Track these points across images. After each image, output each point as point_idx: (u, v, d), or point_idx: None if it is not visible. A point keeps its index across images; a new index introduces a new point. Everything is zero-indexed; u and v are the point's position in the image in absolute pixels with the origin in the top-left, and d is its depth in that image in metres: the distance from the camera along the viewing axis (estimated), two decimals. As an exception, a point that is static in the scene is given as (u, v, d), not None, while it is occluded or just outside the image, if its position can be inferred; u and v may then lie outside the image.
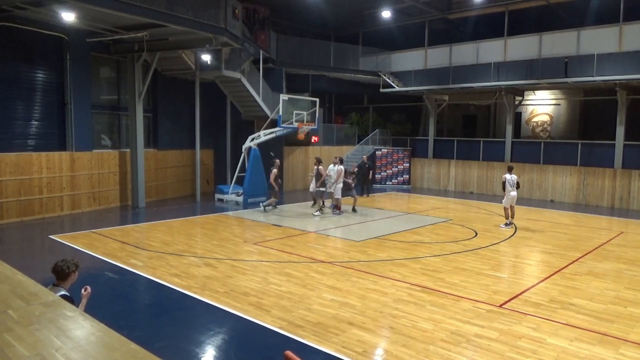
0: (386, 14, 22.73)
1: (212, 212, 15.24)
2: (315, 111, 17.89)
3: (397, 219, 14.52)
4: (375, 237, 11.62)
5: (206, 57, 16.65)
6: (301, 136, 17.76)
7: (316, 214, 14.62)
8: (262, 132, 17.26)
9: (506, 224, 13.24)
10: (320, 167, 15.50)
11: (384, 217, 14.84)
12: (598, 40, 18.31)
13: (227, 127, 19.94)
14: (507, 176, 13.32)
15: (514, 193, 13.14)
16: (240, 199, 16.65)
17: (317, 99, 18.30)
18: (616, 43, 17.95)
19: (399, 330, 6.12)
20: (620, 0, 17.70)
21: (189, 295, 7.35)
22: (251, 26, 19.73)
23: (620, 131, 18.57)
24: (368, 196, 19.15)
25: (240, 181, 17.26)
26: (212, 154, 20.38)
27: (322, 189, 15.31)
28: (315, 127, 18.20)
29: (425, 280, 8.20)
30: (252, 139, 17.17)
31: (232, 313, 6.66)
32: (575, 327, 6.33)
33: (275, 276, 8.32)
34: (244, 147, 17.22)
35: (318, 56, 23.22)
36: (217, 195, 17.47)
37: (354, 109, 26.81)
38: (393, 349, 5.62)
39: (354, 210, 15.13)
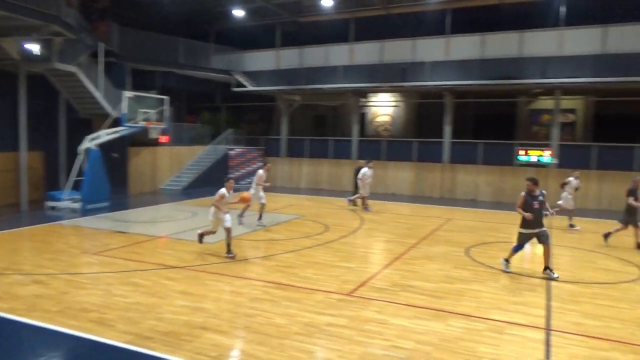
0: (238, 12, 22.61)
1: (42, 222, 13.43)
2: (164, 110, 17.01)
3: (251, 218, 14.48)
4: (230, 238, 11.42)
5: (33, 47, 14.64)
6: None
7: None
8: (103, 132, 15.83)
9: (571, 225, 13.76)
10: (260, 171, 13.64)
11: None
12: (430, 49, 20.62)
13: (60, 126, 17.82)
14: (572, 179, 13.98)
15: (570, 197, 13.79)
16: (77, 205, 15.02)
17: (167, 97, 17.44)
18: (445, 52, 20.38)
19: (255, 328, 6.10)
20: (446, 15, 20.19)
21: (13, 320, 6.36)
22: (89, 15, 18.00)
23: (447, 130, 21.14)
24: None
25: (77, 186, 15.57)
26: (43, 156, 18.00)
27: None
28: (165, 126, 17.32)
29: (280, 277, 8.31)
30: (92, 139, 15.64)
31: (68, 333, 5.94)
32: (414, 306, 6.98)
33: (120, 287, 7.66)
34: (82, 148, 15.59)
35: (167, 52, 22.14)
36: (49, 203, 15.48)
37: (206, 108, 26.11)
38: (249, 348, 5.57)
39: None
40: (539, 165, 19.48)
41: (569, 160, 19.06)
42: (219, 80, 24.69)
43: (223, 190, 9.58)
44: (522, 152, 19.80)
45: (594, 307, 7.18)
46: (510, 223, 14.95)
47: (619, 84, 17.80)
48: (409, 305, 7.01)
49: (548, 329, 6.28)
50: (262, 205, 13.17)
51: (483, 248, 10.97)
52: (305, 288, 7.72)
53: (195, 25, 24.72)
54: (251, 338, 5.84)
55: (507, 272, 8.86)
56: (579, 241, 11.98)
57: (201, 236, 10.00)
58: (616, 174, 18.15)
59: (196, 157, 22.77)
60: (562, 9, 18.68)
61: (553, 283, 8.32)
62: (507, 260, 8.99)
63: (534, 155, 19.60)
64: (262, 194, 13.19)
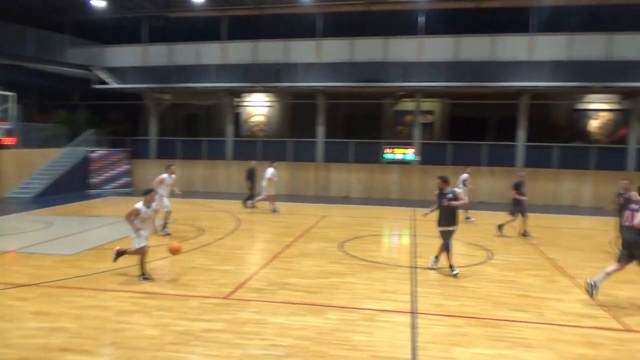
0: (98, 3, 20.84)
1: None
2: (9, 108, 15.07)
3: (118, 225, 13.34)
4: (92, 248, 10.48)
5: None
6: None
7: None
8: None
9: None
10: (164, 175, 12.32)
11: (102, 224, 13.54)
12: (303, 51, 21.09)
13: None
14: (467, 176, 14.80)
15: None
16: None
17: (13, 94, 15.46)
18: (316, 55, 20.98)
19: (124, 343, 5.63)
20: (317, 19, 20.77)
21: None
22: None
23: (320, 130, 21.81)
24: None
25: None
26: None
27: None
28: (10, 126, 15.33)
29: (151, 286, 7.80)
30: None
31: None
32: (291, 303, 7.04)
33: (-45, 313, 6.55)
34: None
35: (12, 42, 19.60)
36: None
37: (62, 107, 23.62)
38: (117, 366, 5.14)
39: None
40: (403, 162, 21.05)
41: (429, 157, 20.92)
42: (77, 76, 22.53)
43: (138, 205, 8.24)
44: (388, 150, 21.21)
45: (452, 289, 7.93)
46: (380, 217, 16.00)
47: (468, 88, 20.07)
48: (287, 303, 7.05)
49: (414, 313, 6.78)
50: (167, 213, 12.11)
51: (356, 242, 11.50)
52: (180, 295, 7.35)
53: (48, 15, 22.24)
54: (120, 354, 5.39)
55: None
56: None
57: (118, 254, 8.52)
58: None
59: (50, 160, 20.48)
60: (421, 19, 20.42)
61: (418, 270, 9.01)
62: (452, 267, 8.67)
63: (399, 153, 21.12)
64: (166, 201, 12.08)
